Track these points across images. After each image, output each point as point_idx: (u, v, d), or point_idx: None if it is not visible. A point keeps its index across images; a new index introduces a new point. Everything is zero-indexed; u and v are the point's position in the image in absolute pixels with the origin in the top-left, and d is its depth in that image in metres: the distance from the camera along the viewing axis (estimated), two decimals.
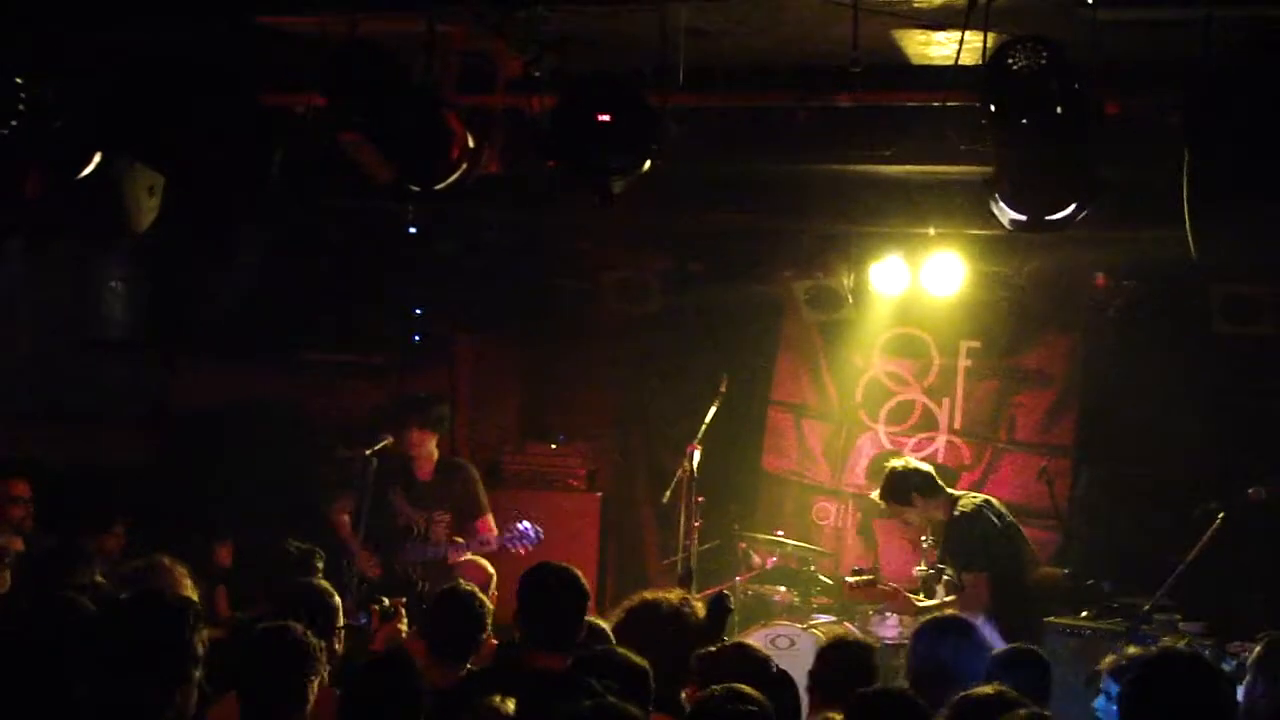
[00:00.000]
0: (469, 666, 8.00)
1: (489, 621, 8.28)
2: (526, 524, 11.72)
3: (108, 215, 9.50)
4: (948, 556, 11.11)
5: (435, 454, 12.11)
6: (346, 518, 11.86)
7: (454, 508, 11.93)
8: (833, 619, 12.24)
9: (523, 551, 11.57)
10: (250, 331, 13.77)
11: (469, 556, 11.52)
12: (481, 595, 8.36)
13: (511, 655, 7.70)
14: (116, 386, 13.83)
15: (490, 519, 11.96)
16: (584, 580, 7.64)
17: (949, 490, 11.36)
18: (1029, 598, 11.17)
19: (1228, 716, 6.23)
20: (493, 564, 11.43)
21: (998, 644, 8.36)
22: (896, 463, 11.56)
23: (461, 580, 8.96)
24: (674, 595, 8.30)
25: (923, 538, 11.50)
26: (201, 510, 12.62)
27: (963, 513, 11.08)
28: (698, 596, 9.36)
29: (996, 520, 11.09)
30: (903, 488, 11.26)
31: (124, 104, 8.87)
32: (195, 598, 7.87)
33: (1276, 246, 10.57)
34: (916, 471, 11.34)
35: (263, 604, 8.67)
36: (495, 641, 8.45)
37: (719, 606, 8.41)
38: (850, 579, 11.51)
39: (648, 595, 8.23)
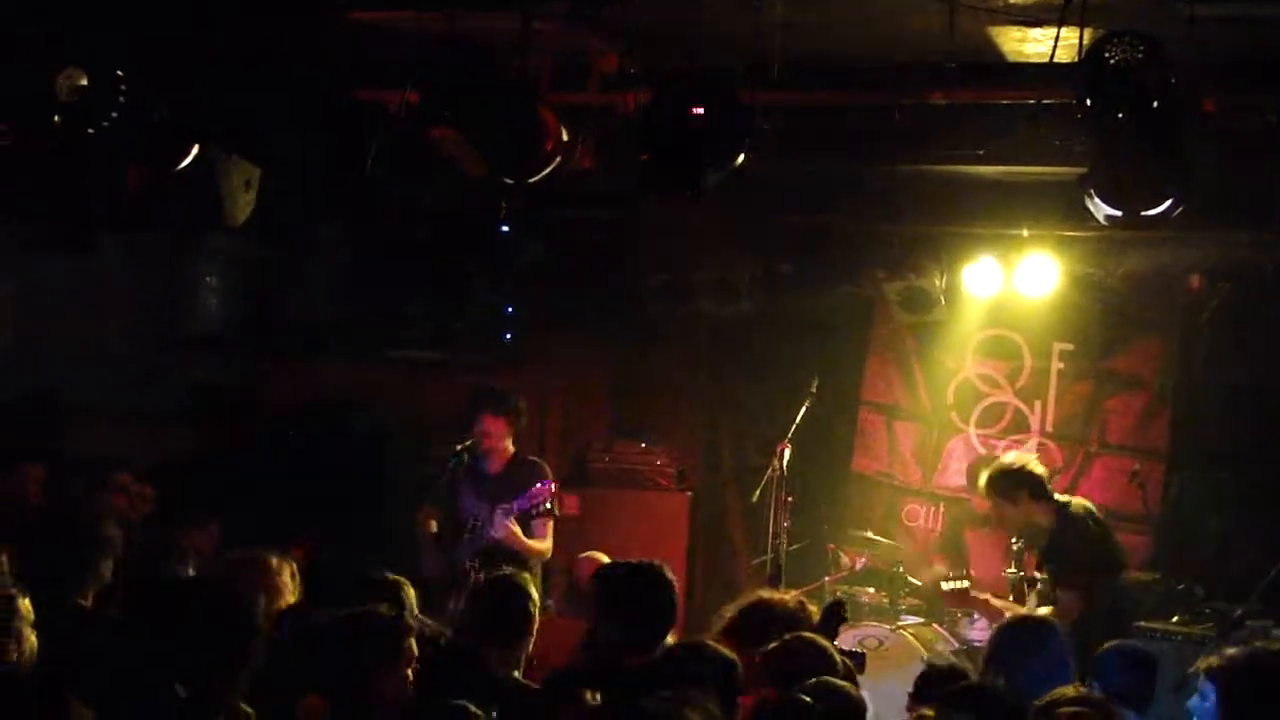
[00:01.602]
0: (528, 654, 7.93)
1: (535, 603, 8.05)
2: (547, 482, 11.41)
3: (204, 208, 9.59)
4: (1047, 565, 11.02)
5: (510, 450, 11.79)
6: (434, 524, 11.72)
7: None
8: (921, 621, 12.17)
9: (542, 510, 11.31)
10: (341, 329, 13.84)
11: (542, 543, 11.35)
12: (523, 577, 8.26)
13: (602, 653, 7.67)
14: (208, 382, 13.95)
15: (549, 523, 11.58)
16: (670, 574, 7.63)
17: (1056, 497, 11.27)
18: (1123, 602, 11.11)
19: None
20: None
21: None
22: (1010, 456, 11.52)
23: (505, 568, 8.88)
24: (789, 597, 8.28)
25: (1012, 540, 11.43)
26: (290, 507, 12.68)
27: (1066, 522, 11.01)
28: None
29: (1095, 526, 11.06)
30: (1014, 483, 11.10)
31: (221, 99, 8.96)
32: (292, 594, 7.92)
33: None
34: (1032, 472, 11.18)
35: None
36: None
37: (834, 611, 8.38)
38: (945, 585, 11.53)
39: (764, 594, 8.22)
